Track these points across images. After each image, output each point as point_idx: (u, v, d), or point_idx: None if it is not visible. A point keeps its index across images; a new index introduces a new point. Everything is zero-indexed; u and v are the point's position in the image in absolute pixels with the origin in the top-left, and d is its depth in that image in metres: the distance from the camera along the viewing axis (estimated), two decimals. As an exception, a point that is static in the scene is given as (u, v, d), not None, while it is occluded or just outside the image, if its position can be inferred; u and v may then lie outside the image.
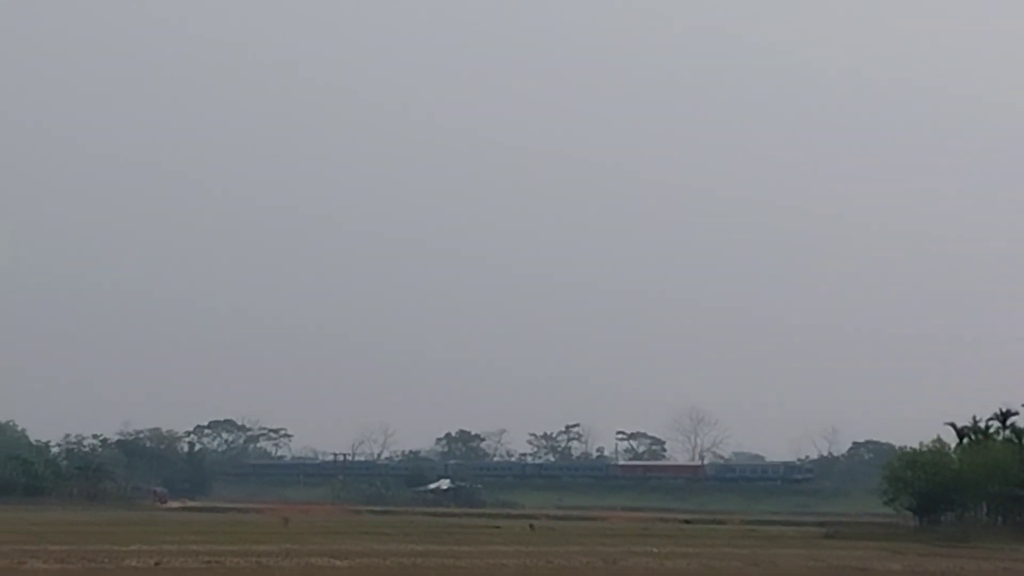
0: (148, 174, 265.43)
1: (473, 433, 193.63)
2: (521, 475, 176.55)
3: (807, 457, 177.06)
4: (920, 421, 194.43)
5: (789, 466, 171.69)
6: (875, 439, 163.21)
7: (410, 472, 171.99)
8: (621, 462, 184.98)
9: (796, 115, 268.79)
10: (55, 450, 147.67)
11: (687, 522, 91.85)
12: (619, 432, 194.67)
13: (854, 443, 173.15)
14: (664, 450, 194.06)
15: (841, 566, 41.33)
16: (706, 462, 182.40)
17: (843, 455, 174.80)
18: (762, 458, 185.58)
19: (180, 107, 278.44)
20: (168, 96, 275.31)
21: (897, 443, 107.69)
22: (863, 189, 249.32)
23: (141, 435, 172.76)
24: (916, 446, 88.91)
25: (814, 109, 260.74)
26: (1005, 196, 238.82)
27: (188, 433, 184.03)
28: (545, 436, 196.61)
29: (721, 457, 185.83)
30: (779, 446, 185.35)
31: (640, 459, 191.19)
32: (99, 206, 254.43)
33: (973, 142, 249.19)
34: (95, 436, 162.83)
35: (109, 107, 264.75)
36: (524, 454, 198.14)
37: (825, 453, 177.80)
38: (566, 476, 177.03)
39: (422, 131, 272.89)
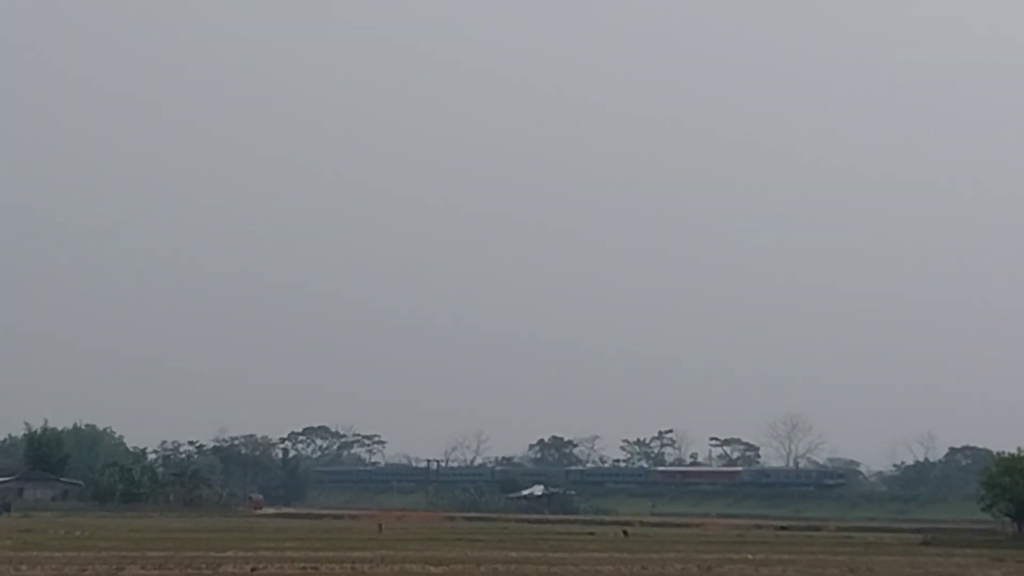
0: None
1: (566, 439, 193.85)
2: (575, 481, 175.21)
3: (902, 463, 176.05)
4: (1019, 426, 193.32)
5: (821, 471, 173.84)
6: (972, 444, 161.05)
7: (504, 478, 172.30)
8: (660, 468, 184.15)
9: None
10: (152, 457, 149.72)
11: (784, 528, 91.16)
12: (712, 438, 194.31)
13: (951, 449, 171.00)
14: (758, 456, 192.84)
15: (940, 573, 40.96)
16: (800, 467, 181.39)
17: (940, 461, 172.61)
18: (856, 464, 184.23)
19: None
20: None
21: (995, 448, 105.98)
22: None
23: (236, 441, 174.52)
24: (1015, 451, 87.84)
25: None
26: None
27: (283, 440, 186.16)
28: (638, 442, 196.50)
29: (815, 463, 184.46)
30: (875, 452, 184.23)
31: (733, 465, 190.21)
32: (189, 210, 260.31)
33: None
34: (191, 443, 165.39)
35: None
36: (618, 460, 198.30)
37: (921, 459, 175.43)
38: (609, 482, 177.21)
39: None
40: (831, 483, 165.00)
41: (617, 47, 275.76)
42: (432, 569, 36.97)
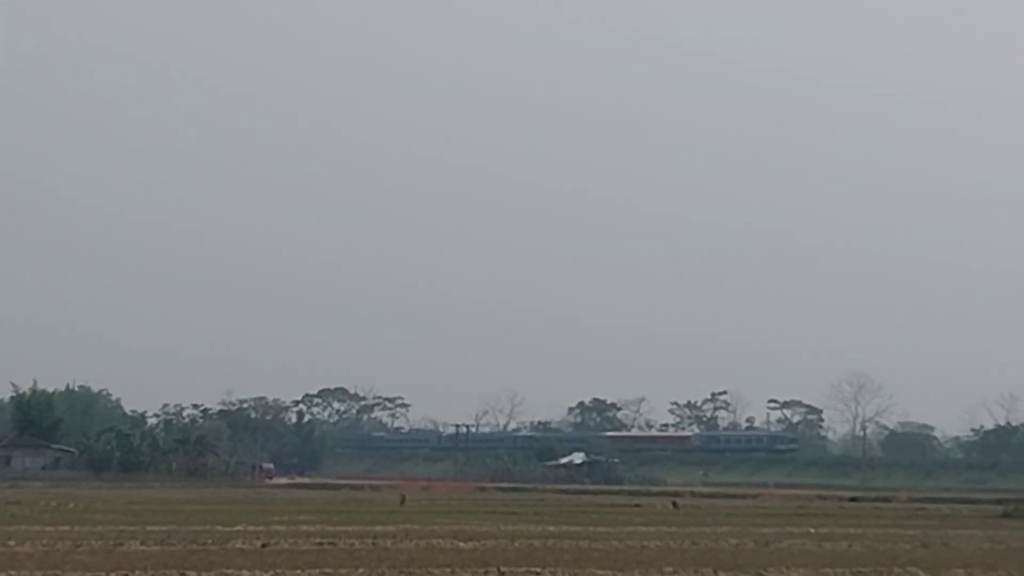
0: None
1: (609, 402, 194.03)
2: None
3: (981, 427, 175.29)
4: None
5: (773, 436, 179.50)
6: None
7: (540, 445, 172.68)
8: (609, 433, 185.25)
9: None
10: (152, 421, 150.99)
11: (853, 500, 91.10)
12: (771, 400, 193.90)
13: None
14: (821, 420, 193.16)
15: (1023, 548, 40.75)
16: (868, 432, 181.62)
17: (1021, 425, 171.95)
18: (931, 428, 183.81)
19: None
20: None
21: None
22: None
23: (245, 405, 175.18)
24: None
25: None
26: None
27: (296, 403, 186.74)
28: (689, 405, 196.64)
29: (885, 428, 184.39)
30: (951, 415, 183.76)
31: (793, 430, 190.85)
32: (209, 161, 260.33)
33: None
34: (195, 406, 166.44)
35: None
36: (666, 424, 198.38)
37: (1002, 423, 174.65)
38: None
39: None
40: (782, 448, 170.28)
41: None
42: (461, 545, 36.96)
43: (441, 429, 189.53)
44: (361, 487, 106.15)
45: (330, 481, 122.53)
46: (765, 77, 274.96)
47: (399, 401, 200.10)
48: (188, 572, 26.78)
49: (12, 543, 35.16)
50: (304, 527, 44.35)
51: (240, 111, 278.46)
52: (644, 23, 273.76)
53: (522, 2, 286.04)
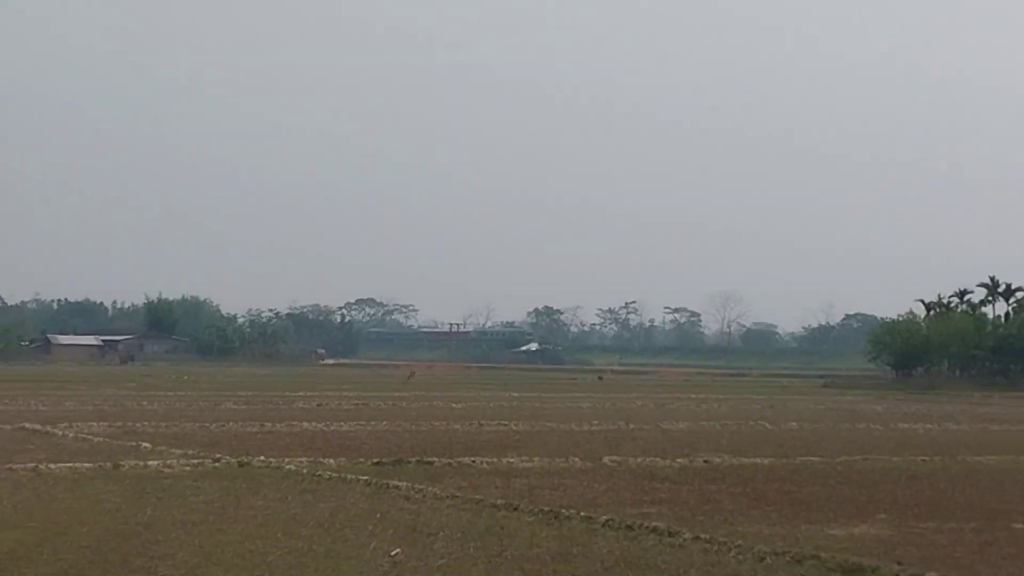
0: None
1: (555, 308, 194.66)
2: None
3: (809, 326, 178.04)
4: (897, 298, 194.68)
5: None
6: (862, 312, 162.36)
7: (507, 338, 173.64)
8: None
9: None
10: (241, 321, 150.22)
11: (730, 376, 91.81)
12: (666, 307, 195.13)
13: (846, 315, 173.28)
14: (700, 321, 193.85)
15: (837, 408, 41.24)
16: (732, 330, 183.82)
17: (837, 324, 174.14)
18: (774, 327, 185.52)
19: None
20: None
21: (879, 315, 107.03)
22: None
23: (305, 309, 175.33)
24: (894, 317, 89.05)
25: None
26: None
27: (340, 308, 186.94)
28: (610, 311, 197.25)
29: (743, 326, 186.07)
30: (789, 318, 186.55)
31: (680, 329, 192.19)
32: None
33: None
34: (271, 310, 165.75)
35: None
36: (594, 324, 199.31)
37: (824, 323, 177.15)
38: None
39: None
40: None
41: None
42: (453, 405, 37.23)
43: (439, 327, 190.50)
44: (384, 366, 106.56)
45: (363, 362, 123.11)
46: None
47: (410, 307, 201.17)
48: (266, 423, 26.85)
49: (145, 403, 35.26)
50: (345, 393, 44.59)
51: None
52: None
53: None
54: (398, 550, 10.45)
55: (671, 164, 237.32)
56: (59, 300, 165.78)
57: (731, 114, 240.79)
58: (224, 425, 26.02)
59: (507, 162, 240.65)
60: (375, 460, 18.16)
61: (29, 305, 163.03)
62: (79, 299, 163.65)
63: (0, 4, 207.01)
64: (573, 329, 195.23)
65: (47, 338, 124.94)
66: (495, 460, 18.70)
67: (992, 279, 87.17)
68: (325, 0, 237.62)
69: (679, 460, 19.54)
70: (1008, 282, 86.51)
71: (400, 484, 15.09)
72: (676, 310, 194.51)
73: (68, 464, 17.03)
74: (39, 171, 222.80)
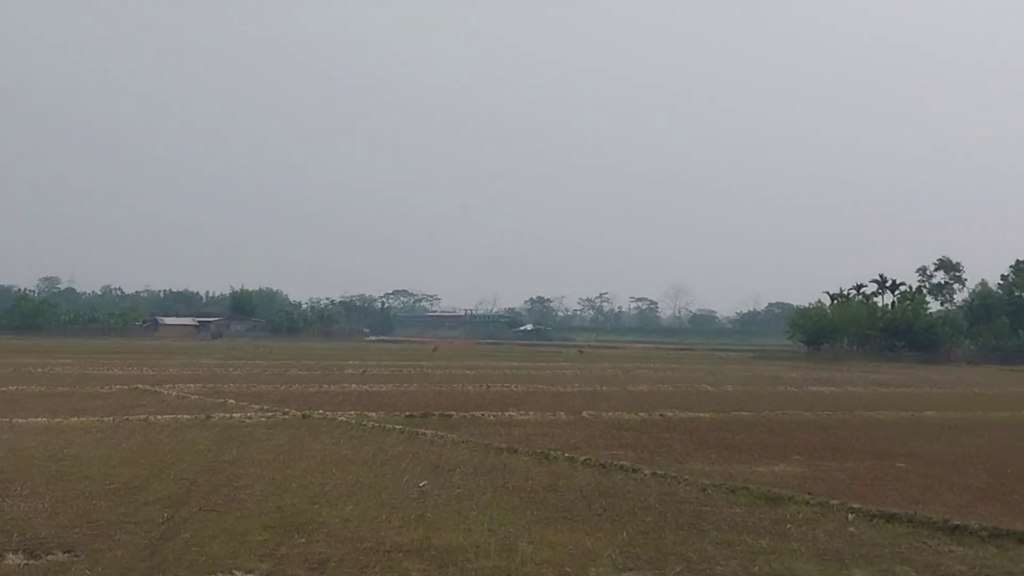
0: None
1: (546, 297, 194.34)
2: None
3: (742, 312, 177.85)
4: (808, 291, 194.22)
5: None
6: (782, 301, 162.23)
7: (510, 320, 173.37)
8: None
9: None
10: (304, 307, 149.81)
11: (681, 350, 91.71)
12: (631, 297, 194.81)
13: (769, 303, 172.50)
14: (657, 308, 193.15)
15: (763, 375, 41.15)
16: (682, 315, 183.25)
17: (763, 310, 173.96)
18: (715, 312, 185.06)
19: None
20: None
21: (795, 303, 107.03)
22: None
23: (353, 298, 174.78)
24: (807, 305, 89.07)
25: None
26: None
27: (380, 297, 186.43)
28: (588, 299, 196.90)
29: (691, 311, 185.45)
30: (727, 305, 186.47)
31: (642, 314, 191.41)
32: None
33: None
34: (327, 298, 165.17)
35: None
36: (576, 310, 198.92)
37: (752, 309, 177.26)
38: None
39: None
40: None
41: None
42: (467, 372, 37.19)
43: (456, 311, 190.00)
44: (414, 343, 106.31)
45: (397, 339, 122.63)
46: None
47: (434, 296, 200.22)
48: (323, 385, 26.82)
49: (230, 369, 35.25)
50: (384, 363, 44.55)
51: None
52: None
53: None
54: (425, 482, 10.47)
55: (622, 192, 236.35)
56: (165, 290, 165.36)
57: (673, 153, 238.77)
58: (291, 386, 26.01)
59: (513, 191, 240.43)
60: (407, 413, 18.16)
61: (141, 294, 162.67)
62: (180, 289, 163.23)
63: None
64: (560, 313, 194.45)
65: (155, 319, 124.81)
66: (499, 413, 18.70)
67: (881, 276, 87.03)
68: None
69: (640, 414, 19.54)
70: (893, 279, 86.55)
71: (426, 431, 15.10)
72: (639, 299, 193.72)
73: (171, 416, 17.04)
74: (155, 188, 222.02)
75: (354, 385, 26.99)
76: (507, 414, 18.63)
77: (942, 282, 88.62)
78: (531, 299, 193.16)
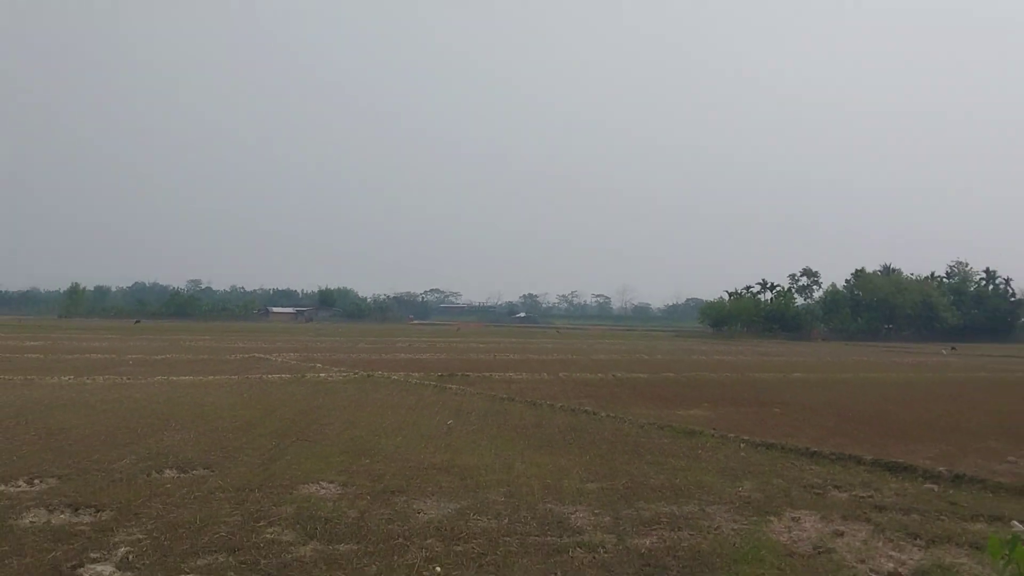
0: None
1: (534, 294, 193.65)
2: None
3: (671, 304, 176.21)
4: (714, 289, 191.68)
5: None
6: (695, 296, 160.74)
7: (509, 310, 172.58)
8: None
9: None
10: (368, 300, 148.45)
11: (628, 330, 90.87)
12: (593, 293, 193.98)
13: (687, 298, 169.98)
14: (610, 302, 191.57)
15: (683, 348, 40.95)
16: (628, 307, 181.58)
17: (683, 303, 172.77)
18: (650, 304, 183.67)
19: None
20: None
21: (704, 298, 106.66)
22: None
23: (402, 294, 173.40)
24: (712, 299, 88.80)
25: None
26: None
27: (420, 293, 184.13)
28: (563, 296, 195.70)
29: (635, 304, 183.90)
30: (660, 298, 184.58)
31: (600, 306, 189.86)
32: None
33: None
34: (385, 295, 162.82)
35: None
36: (555, 303, 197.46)
37: (675, 302, 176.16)
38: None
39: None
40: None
41: None
42: (480, 345, 36.97)
43: (473, 303, 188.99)
44: (444, 326, 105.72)
45: (433, 323, 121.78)
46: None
47: (458, 293, 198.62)
48: (382, 354, 26.56)
49: (318, 343, 34.96)
50: (423, 339, 44.29)
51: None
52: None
53: None
54: (451, 421, 10.47)
55: (592, 215, 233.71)
56: (273, 288, 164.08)
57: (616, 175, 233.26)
58: (359, 355, 25.84)
59: (514, 211, 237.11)
60: (439, 373, 18.07)
61: (257, 291, 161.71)
62: (283, 288, 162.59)
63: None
64: (543, 305, 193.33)
65: (267, 309, 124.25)
66: (502, 374, 18.63)
67: (763, 280, 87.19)
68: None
69: (599, 375, 19.47)
70: (772, 281, 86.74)
71: (452, 386, 15.04)
72: (598, 295, 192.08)
73: (277, 375, 16.97)
74: (268, 210, 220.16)
75: (402, 355, 26.88)
76: (507, 374, 18.58)
77: (805, 284, 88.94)
78: (524, 295, 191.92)
